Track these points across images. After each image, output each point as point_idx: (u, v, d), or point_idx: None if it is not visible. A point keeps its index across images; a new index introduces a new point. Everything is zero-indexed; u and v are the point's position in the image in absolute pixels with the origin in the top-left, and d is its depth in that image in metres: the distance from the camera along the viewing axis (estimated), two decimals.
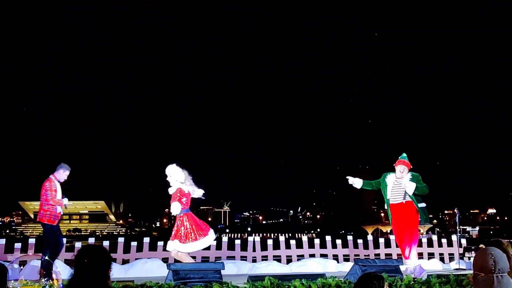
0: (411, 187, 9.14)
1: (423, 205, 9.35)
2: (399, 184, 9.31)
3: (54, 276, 7.08)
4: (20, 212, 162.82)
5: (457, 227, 13.62)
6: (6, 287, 3.45)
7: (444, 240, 13.84)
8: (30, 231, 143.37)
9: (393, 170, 9.54)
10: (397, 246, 13.39)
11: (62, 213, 9.13)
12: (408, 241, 9.29)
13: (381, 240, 13.58)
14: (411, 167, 9.44)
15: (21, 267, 9.83)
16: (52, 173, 9.05)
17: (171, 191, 8.97)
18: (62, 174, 9.15)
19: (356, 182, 9.81)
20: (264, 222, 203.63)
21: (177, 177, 8.97)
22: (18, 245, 10.72)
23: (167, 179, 9.06)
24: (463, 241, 14.04)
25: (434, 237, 14.03)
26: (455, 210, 13.13)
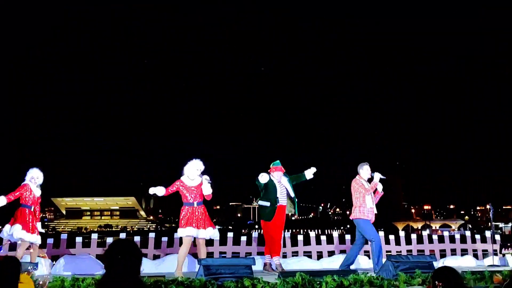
0: (291, 189, 10.02)
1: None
2: (282, 186, 9.92)
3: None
4: (53, 208, 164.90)
5: (491, 223, 13.39)
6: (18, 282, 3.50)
7: (477, 236, 13.60)
8: (62, 226, 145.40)
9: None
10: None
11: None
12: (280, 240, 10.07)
13: (413, 236, 13.38)
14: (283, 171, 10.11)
15: (53, 262, 9.92)
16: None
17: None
18: (366, 171, 9.70)
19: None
20: (293, 218, 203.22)
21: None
22: (50, 241, 10.81)
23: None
24: (497, 237, 13.77)
25: (468, 233, 13.79)
26: (488, 206, 12.90)
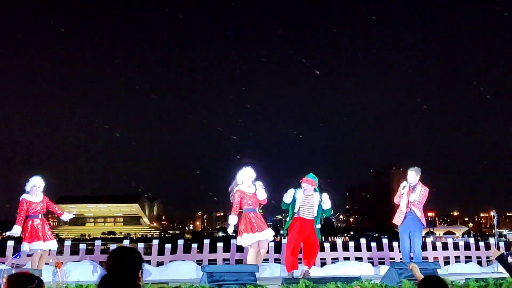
0: (326, 205, 9.65)
1: (318, 226, 9.78)
2: (310, 200, 9.52)
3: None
4: (56, 215, 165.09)
5: (495, 230, 13.36)
6: None
7: (481, 244, 13.56)
8: (66, 233, 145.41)
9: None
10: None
11: None
12: (314, 254, 9.69)
13: None
14: (315, 185, 9.63)
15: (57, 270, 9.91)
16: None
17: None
18: (409, 176, 10.28)
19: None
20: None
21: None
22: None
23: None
24: (501, 244, 13.72)
25: (472, 241, 13.76)
26: (492, 213, 12.87)
